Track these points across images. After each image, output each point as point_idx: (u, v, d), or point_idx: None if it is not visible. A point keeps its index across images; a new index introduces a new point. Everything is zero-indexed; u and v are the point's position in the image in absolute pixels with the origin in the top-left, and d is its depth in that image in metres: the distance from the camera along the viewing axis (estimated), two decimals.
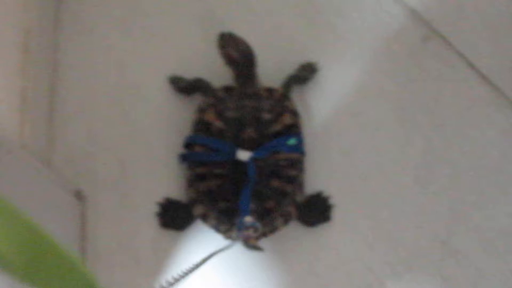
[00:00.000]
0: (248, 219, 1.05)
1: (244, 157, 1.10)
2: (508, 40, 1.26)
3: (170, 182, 1.20)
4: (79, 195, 1.19)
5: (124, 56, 1.27)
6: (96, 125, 1.24)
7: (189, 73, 1.23)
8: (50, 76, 1.23)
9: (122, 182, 1.22)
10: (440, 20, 1.28)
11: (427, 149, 1.23)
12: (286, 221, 1.14)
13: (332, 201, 1.20)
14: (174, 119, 1.23)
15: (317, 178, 1.21)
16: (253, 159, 1.09)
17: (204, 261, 0.88)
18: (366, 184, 1.21)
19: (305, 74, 1.23)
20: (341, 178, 1.22)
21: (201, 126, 1.14)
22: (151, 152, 1.23)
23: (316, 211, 1.18)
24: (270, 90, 1.16)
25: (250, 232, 1.04)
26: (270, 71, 1.23)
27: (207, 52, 1.24)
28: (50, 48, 1.24)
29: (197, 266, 0.86)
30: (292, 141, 1.13)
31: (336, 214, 1.20)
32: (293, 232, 1.18)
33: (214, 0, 1.29)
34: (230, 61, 1.14)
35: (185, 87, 1.22)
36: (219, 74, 1.21)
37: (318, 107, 1.25)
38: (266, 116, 1.13)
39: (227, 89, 1.16)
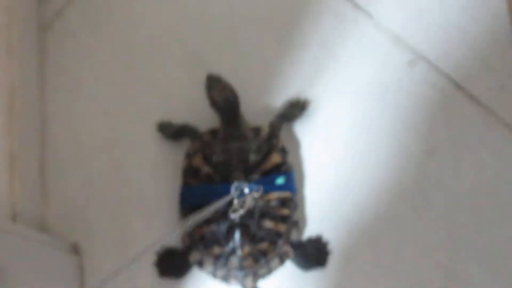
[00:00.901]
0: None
1: (243, 188, 1.10)
2: (494, 59, 1.25)
3: (165, 230, 1.19)
4: (75, 249, 1.19)
5: (111, 104, 1.27)
6: (88, 176, 1.25)
7: (178, 116, 1.23)
8: (38, 131, 1.24)
9: (117, 232, 1.22)
10: (424, 44, 1.26)
11: (421, 176, 1.22)
12: (282, 261, 1.13)
13: (330, 246, 1.19)
14: (164, 165, 1.23)
15: (312, 214, 1.21)
16: (238, 189, 1.10)
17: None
18: (362, 216, 1.20)
19: (294, 111, 1.22)
20: (336, 212, 1.21)
21: (190, 172, 1.15)
22: (144, 200, 1.23)
23: (312, 255, 1.16)
24: (256, 130, 1.16)
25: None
26: (258, 109, 1.24)
27: (194, 95, 1.24)
28: (37, 102, 1.24)
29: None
30: (280, 180, 1.13)
31: (334, 249, 1.18)
32: (291, 271, 1.17)
33: (199, 42, 1.29)
34: (213, 104, 1.14)
35: (172, 133, 1.22)
36: (207, 117, 1.21)
37: (308, 141, 1.24)
38: (253, 157, 1.13)
39: (213, 133, 1.17)
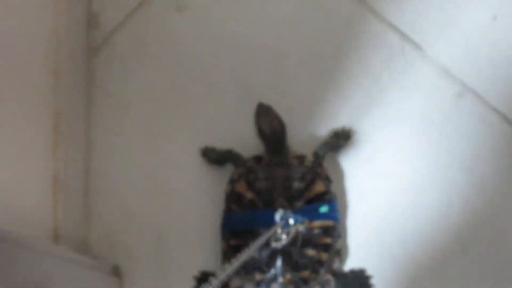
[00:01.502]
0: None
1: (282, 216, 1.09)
2: None
3: (206, 255, 1.20)
4: (116, 272, 1.19)
5: (156, 129, 1.28)
6: (131, 199, 1.25)
7: (223, 143, 1.23)
8: (83, 153, 1.25)
9: (158, 256, 1.22)
10: (473, 76, 1.25)
11: (467, 211, 1.19)
12: None
13: (373, 281, 1.16)
14: (207, 191, 1.23)
15: (354, 245, 1.20)
16: (283, 219, 1.08)
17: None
18: (406, 250, 1.18)
19: (339, 140, 1.21)
20: (380, 244, 1.19)
21: (233, 197, 1.15)
22: (186, 225, 1.22)
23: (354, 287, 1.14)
24: (300, 158, 1.16)
25: None
26: (303, 139, 1.24)
27: (240, 122, 1.25)
28: (82, 126, 1.26)
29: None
30: (324, 209, 1.12)
31: (377, 283, 1.15)
32: None
33: (247, 70, 1.29)
34: (261, 133, 1.16)
35: (216, 158, 1.22)
36: (251, 145, 1.23)
37: (352, 172, 1.23)
38: (297, 184, 1.13)
39: (258, 159, 1.17)
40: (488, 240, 1.18)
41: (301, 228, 1.08)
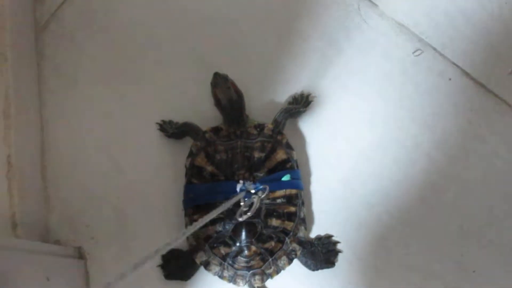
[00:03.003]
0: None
1: (249, 188, 1.09)
2: (502, 45, 1.21)
3: (169, 231, 1.18)
4: (80, 254, 1.17)
5: (111, 105, 1.24)
6: (89, 179, 1.22)
7: (180, 116, 1.21)
8: (36, 135, 1.21)
9: (121, 235, 1.20)
10: (430, 32, 1.23)
11: (430, 168, 1.19)
12: (290, 260, 1.12)
13: (339, 246, 1.17)
14: (167, 165, 1.21)
15: (319, 211, 1.18)
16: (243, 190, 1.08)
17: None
18: (371, 211, 1.18)
19: (298, 106, 1.19)
20: (344, 208, 1.19)
21: (194, 171, 1.13)
22: (147, 201, 1.20)
23: (321, 255, 1.14)
24: (260, 127, 1.14)
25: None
26: (262, 106, 1.22)
27: (196, 93, 1.22)
28: (34, 106, 1.22)
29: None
30: (286, 177, 1.11)
31: (343, 247, 1.16)
32: (299, 270, 1.15)
33: (199, 40, 1.26)
34: (218, 102, 1.13)
35: (174, 132, 1.19)
36: (209, 115, 1.19)
37: (314, 137, 1.21)
38: (258, 154, 1.11)
39: (216, 130, 1.14)
40: (452, 198, 1.17)
41: (262, 196, 1.06)
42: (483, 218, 1.17)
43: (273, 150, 1.12)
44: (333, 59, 1.23)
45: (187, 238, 1.13)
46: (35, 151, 1.19)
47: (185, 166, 1.15)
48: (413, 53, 1.23)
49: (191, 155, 1.14)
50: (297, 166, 1.15)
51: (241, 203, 1.05)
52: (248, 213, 1.04)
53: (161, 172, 1.21)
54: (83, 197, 1.21)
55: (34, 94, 1.22)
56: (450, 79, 1.21)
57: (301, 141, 1.20)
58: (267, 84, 1.23)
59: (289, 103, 1.20)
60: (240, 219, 1.04)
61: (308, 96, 1.20)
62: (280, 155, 1.12)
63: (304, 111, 1.19)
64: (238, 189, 1.07)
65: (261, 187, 1.07)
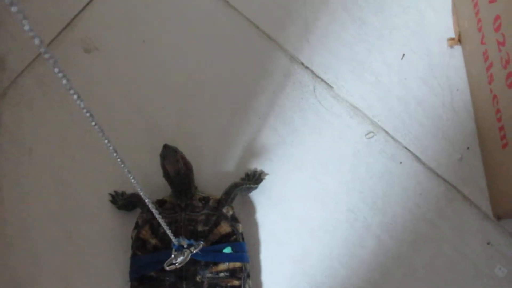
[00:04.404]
0: None
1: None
2: (453, 131, 1.24)
3: None
4: None
5: (63, 173, 1.25)
6: (40, 248, 1.22)
7: (131, 186, 1.19)
8: None
9: None
10: (383, 115, 1.26)
11: (379, 250, 1.19)
12: None
13: None
14: (117, 236, 1.20)
15: (267, 284, 1.19)
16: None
17: None
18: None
19: (250, 183, 1.20)
20: (292, 286, 1.17)
21: (138, 243, 1.12)
22: (96, 272, 1.20)
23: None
24: (205, 199, 1.14)
25: None
26: (214, 179, 1.23)
27: (149, 164, 1.22)
28: None
29: None
30: (227, 249, 1.10)
31: None
32: None
33: (155, 110, 1.28)
34: (166, 174, 1.14)
35: (123, 204, 1.20)
36: (162, 186, 1.18)
37: (264, 212, 1.22)
38: (201, 228, 1.11)
39: (161, 203, 1.14)
40: (399, 280, 1.18)
41: (194, 251, 1.04)
42: None
43: (217, 223, 1.12)
44: (287, 137, 1.25)
45: None
46: None
47: (131, 238, 1.14)
48: (366, 135, 1.24)
49: (137, 227, 1.14)
50: (243, 239, 1.15)
51: (172, 255, 1.03)
52: (176, 265, 1.02)
53: (111, 242, 1.21)
54: (33, 266, 1.20)
55: None
56: (401, 162, 1.23)
57: (251, 216, 1.21)
58: (221, 159, 1.25)
59: (242, 178, 1.21)
60: (167, 268, 1.01)
61: (260, 173, 1.21)
62: (224, 228, 1.12)
63: (255, 188, 1.20)
64: (173, 245, 1.05)
65: (195, 243, 1.05)
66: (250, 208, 1.22)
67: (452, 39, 1.28)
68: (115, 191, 1.21)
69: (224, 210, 1.14)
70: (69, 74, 1.22)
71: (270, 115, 1.27)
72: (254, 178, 1.21)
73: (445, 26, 1.31)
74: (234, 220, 1.14)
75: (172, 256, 1.01)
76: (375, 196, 1.22)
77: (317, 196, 1.22)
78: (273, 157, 1.24)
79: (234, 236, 1.12)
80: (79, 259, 1.21)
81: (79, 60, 1.30)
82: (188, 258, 1.02)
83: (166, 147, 1.13)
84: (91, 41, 1.31)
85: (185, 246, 1.03)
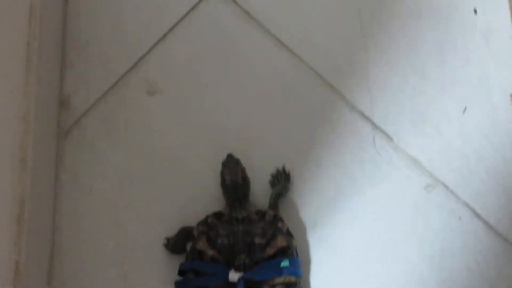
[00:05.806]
0: None
1: (234, 278, 1.08)
2: None
3: None
4: None
5: (123, 214, 1.26)
6: (95, 287, 1.22)
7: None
8: (47, 241, 1.23)
9: None
10: (443, 169, 1.25)
11: None
12: None
13: None
14: (171, 280, 1.19)
15: None
16: (242, 280, 1.08)
17: None
18: None
19: (280, 182, 1.24)
20: None
21: (195, 255, 1.14)
22: None
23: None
24: (261, 213, 1.16)
25: None
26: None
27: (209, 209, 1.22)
28: (48, 212, 1.23)
29: None
30: (285, 263, 1.11)
31: None
32: None
33: (216, 158, 1.25)
34: (223, 183, 1.17)
35: (173, 243, 1.22)
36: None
37: (319, 261, 1.23)
38: (259, 240, 1.12)
39: (218, 215, 1.16)
40: None
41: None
42: None
43: (274, 237, 1.13)
44: (346, 188, 1.25)
45: None
46: (43, 257, 1.20)
47: (185, 251, 1.16)
48: (425, 188, 1.23)
49: (193, 238, 1.16)
50: (297, 254, 1.16)
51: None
52: None
53: (165, 285, 1.21)
54: None
55: (49, 200, 1.24)
56: (460, 218, 1.22)
57: (306, 265, 1.22)
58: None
59: (272, 184, 1.25)
60: None
61: (283, 169, 1.26)
62: (281, 242, 1.13)
63: (287, 185, 1.24)
64: (229, 278, 1.09)
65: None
66: (305, 258, 1.21)
67: None
68: (166, 238, 1.24)
69: (280, 225, 1.15)
70: (132, 116, 1.27)
71: (329, 165, 1.27)
72: (282, 176, 1.24)
73: (509, 80, 1.29)
74: (289, 234, 1.15)
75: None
76: (433, 251, 1.21)
77: (373, 248, 1.22)
78: (331, 208, 1.24)
79: (290, 250, 1.13)
80: None
81: (142, 102, 1.32)
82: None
83: (229, 156, 1.18)
84: (155, 84, 1.32)
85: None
